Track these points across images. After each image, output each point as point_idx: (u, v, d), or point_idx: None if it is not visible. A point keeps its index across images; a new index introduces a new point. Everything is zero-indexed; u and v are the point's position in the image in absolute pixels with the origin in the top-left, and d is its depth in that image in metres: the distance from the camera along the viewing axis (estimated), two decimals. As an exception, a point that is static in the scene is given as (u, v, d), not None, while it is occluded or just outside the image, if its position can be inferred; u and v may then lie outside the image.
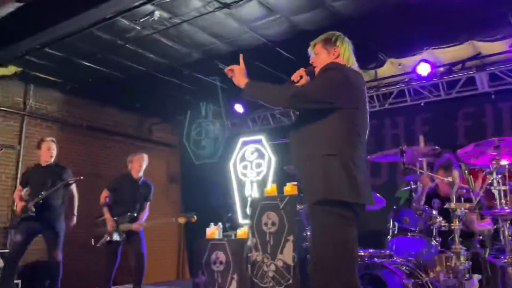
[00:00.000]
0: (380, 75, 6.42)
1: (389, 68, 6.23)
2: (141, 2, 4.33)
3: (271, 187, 5.25)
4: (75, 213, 5.02)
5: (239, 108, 7.45)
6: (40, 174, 4.82)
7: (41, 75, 6.72)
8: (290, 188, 4.83)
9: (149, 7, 4.61)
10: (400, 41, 5.45)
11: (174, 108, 8.27)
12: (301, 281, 4.40)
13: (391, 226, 3.69)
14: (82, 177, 4.94)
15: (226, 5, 4.60)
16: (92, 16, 4.46)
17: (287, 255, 4.56)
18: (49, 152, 4.88)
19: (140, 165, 5.16)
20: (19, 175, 6.69)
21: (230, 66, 2.43)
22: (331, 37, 2.44)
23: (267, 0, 4.57)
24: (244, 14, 4.84)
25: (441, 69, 6.02)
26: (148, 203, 5.21)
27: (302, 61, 6.07)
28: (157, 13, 4.73)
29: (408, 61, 6.02)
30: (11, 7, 4.31)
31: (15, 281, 5.15)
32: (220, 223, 5.82)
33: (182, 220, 4.90)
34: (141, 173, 5.21)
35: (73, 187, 5.01)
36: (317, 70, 2.42)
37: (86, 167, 7.58)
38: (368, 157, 3.27)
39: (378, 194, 3.64)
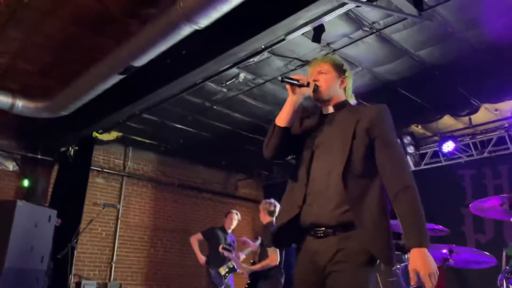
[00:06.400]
0: (475, 121, 6.02)
1: (485, 114, 5.83)
2: (227, 66, 4.60)
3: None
4: None
5: None
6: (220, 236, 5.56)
7: (138, 139, 7.32)
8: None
9: (234, 70, 4.90)
10: (494, 86, 5.13)
11: (259, 164, 8.42)
12: None
13: (504, 290, 3.24)
14: None
15: (307, 63, 4.72)
16: (183, 82, 4.83)
17: (383, 319, 4.18)
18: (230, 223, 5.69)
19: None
20: (118, 233, 7.16)
21: None
22: (341, 64, 2.16)
23: (348, 54, 4.62)
24: (325, 69, 4.91)
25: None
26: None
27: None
28: (241, 75, 5.02)
29: (505, 106, 5.61)
30: (114, 79, 4.82)
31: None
32: None
33: None
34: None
35: None
36: (322, 90, 2.08)
37: (178, 223, 7.90)
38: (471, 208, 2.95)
39: (487, 253, 3.23)
